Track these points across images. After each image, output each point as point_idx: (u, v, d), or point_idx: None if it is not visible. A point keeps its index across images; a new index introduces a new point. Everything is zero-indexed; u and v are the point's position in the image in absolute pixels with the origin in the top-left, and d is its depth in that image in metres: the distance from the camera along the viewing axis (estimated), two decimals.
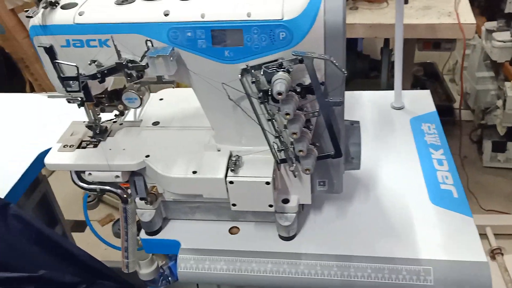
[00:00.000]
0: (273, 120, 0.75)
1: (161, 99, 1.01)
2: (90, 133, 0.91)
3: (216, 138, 0.85)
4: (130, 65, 0.72)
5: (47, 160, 0.87)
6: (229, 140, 0.83)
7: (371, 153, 1.06)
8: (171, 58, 0.70)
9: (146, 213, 0.91)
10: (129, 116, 0.95)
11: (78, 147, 0.89)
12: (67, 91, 0.77)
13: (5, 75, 2.67)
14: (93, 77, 0.76)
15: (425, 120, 1.16)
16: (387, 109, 1.22)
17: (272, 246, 0.88)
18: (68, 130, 0.94)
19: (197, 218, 0.95)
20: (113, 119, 0.92)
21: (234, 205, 0.82)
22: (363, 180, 1.01)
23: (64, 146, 0.89)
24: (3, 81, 2.65)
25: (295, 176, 0.82)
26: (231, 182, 0.79)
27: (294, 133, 0.70)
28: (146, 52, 0.71)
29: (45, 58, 0.77)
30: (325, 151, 0.79)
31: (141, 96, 0.83)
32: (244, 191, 0.80)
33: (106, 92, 0.85)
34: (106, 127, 0.92)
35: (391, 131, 1.14)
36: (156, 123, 0.94)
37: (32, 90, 2.47)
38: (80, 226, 2.19)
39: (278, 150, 0.78)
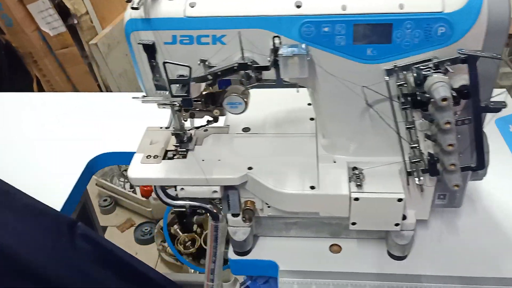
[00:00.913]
0: (412, 128, 0.65)
1: None
2: (174, 141, 0.80)
3: (328, 147, 0.75)
4: (254, 65, 0.62)
5: (131, 174, 0.75)
6: (345, 150, 0.73)
7: None
8: (308, 57, 0.59)
9: (239, 231, 0.80)
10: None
11: (164, 157, 0.78)
12: (174, 96, 0.66)
13: (7, 71, 2.49)
14: (202, 79, 0.65)
15: None
16: None
17: (384, 267, 0.79)
18: (145, 138, 0.83)
19: (291, 235, 0.85)
20: (202, 126, 0.81)
21: (354, 223, 0.73)
22: None
23: (147, 157, 0.78)
24: (3, 77, 2.47)
25: (422, 191, 0.73)
26: (356, 199, 0.69)
27: (451, 145, 0.60)
28: (275, 50, 0.61)
29: (140, 57, 0.66)
30: (463, 163, 0.69)
31: (245, 100, 0.72)
32: (369, 209, 0.70)
33: (201, 96, 0.74)
34: (191, 134, 0.81)
35: None
36: (246, 129, 0.83)
37: (40, 88, 2.31)
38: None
39: (411, 162, 0.68)
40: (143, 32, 0.63)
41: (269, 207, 0.78)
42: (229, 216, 0.81)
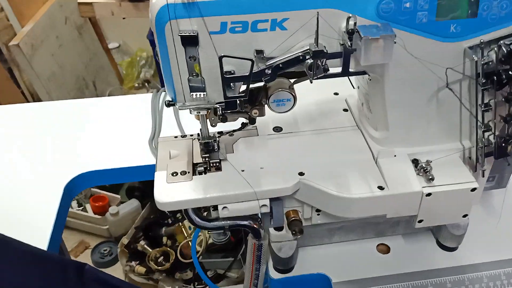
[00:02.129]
0: (489, 110, 0.59)
1: None
2: (199, 151, 0.67)
3: (383, 140, 0.67)
4: (328, 53, 0.51)
5: (160, 198, 0.61)
6: (404, 141, 0.66)
7: None
8: (395, 39, 0.51)
9: (285, 246, 0.70)
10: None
11: (194, 173, 0.65)
12: (228, 97, 0.53)
13: None
14: (260, 74, 0.53)
15: None
16: None
17: (440, 261, 0.74)
18: (162, 151, 0.69)
19: (334, 241, 0.76)
20: (234, 130, 0.69)
21: (420, 221, 0.66)
22: None
23: (173, 175, 0.64)
24: None
25: (483, 176, 0.68)
26: (428, 195, 0.62)
27: None
28: (350, 32, 0.51)
29: (174, 53, 0.53)
30: None
31: (294, 95, 0.61)
32: (440, 203, 0.64)
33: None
34: (218, 141, 0.68)
35: None
36: (277, 129, 0.73)
37: None
38: None
39: (484, 146, 0.63)
40: (184, 21, 0.50)
41: (318, 214, 0.69)
42: (271, 231, 0.70)
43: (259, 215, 0.68)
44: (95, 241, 1.81)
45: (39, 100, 1.99)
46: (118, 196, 1.82)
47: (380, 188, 0.62)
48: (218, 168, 0.65)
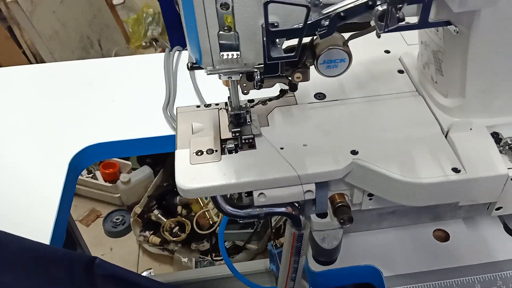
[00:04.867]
0: None
1: None
2: (226, 123, 0.55)
3: (455, 109, 0.54)
4: None
5: (182, 183, 0.50)
6: (484, 110, 0.53)
7: None
8: None
9: (330, 236, 0.59)
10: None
11: (223, 151, 0.53)
12: (272, 58, 0.41)
13: None
14: (314, 26, 0.40)
15: None
16: None
17: (509, 250, 0.63)
18: (182, 125, 0.57)
19: (384, 227, 0.65)
20: (270, 98, 0.56)
21: (498, 209, 0.54)
22: None
23: (197, 154, 0.53)
24: None
25: None
26: None
27: None
28: None
29: (201, 1, 0.40)
30: None
31: (349, 53, 0.48)
32: None
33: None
34: (250, 112, 0.56)
35: None
36: (320, 96, 0.60)
37: None
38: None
39: None
40: None
41: (370, 199, 0.57)
42: (312, 218, 0.59)
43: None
44: (107, 209, 1.73)
45: (42, 60, 1.86)
46: (129, 163, 1.73)
47: (455, 170, 0.50)
48: (252, 146, 0.53)
